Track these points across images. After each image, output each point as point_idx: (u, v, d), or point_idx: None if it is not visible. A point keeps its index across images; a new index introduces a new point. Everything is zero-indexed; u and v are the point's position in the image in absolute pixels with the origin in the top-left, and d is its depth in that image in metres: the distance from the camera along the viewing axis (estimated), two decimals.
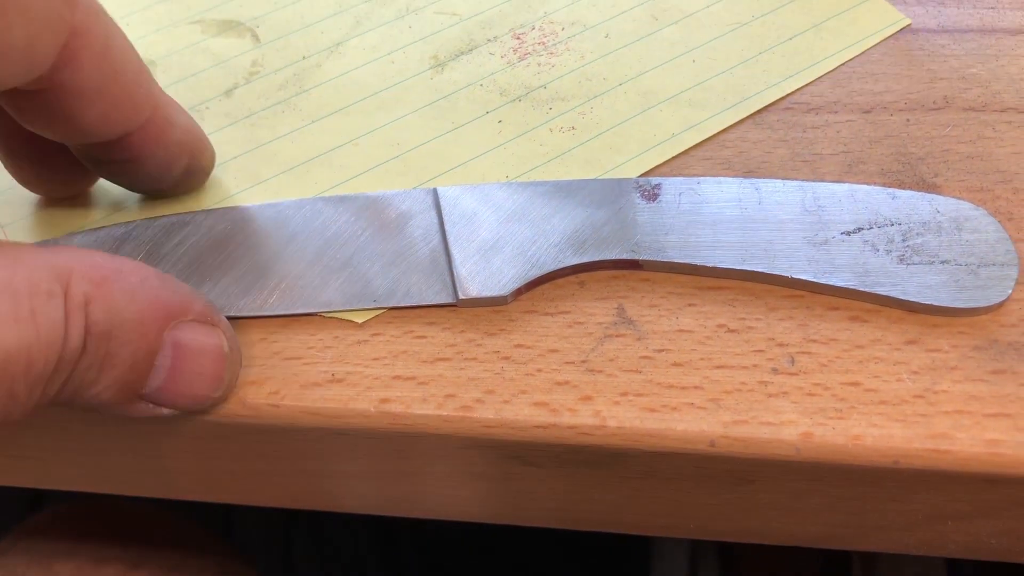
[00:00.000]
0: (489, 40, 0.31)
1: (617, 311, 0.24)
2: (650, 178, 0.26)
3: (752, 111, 0.28)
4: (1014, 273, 0.24)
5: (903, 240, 0.25)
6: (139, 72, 0.23)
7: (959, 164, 0.27)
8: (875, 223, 0.25)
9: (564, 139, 0.28)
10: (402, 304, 0.24)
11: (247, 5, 0.32)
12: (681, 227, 0.25)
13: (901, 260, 0.24)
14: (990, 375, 0.23)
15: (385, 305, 0.24)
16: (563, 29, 0.31)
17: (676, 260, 0.24)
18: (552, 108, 0.29)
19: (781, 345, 0.23)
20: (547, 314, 0.24)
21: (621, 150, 0.27)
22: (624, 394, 0.23)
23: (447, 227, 0.25)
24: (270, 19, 0.32)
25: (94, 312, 0.19)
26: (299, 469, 0.25)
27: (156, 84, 0.24)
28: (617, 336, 0.24)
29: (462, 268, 0.24)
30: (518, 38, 0.31)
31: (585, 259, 0.24)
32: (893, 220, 0.25)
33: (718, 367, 0.23)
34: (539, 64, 0.30)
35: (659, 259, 0.24)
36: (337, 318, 0.24)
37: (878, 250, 0.24)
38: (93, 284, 0.19)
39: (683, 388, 0.23)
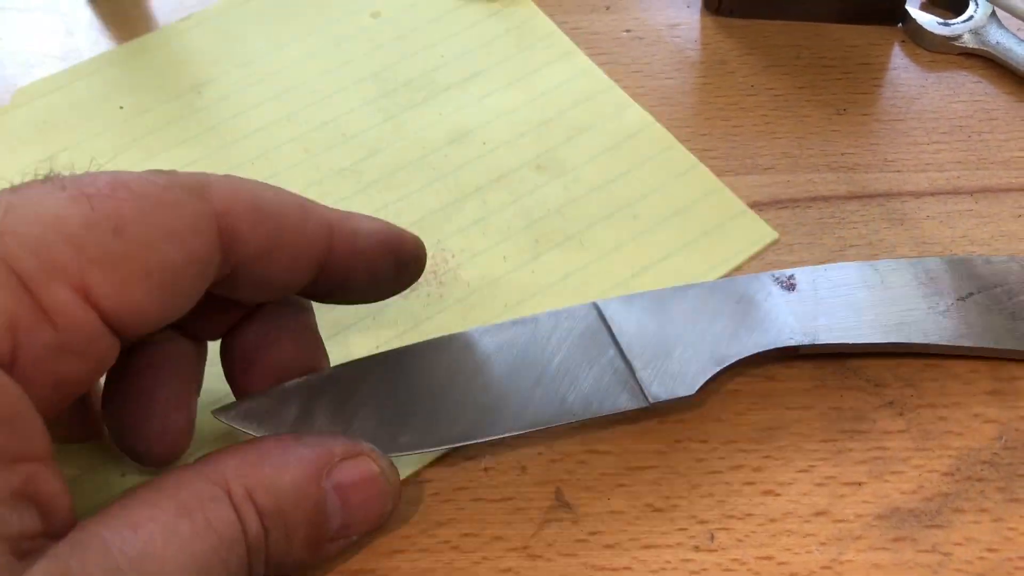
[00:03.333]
0: None
1: (555, 495, 0.27)
2: (784, 271, 0.29)
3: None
4: None
5: (1009, 299, 0.28)
6: (298, 207, 0.24)
7: None
8: (981, 288, 0.29)
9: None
10: (599, 414, 0.26)
11: None
12: (825, 311, 0.28)
13: (1013, 316, 0.28)
14: (891, 543, 0.25)
15: (583, 417, 0.26)
16: (453, 256, 0.32)
17: (829, 342, 0.28)
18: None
19: (702, 522, 0.26)
20: (491, 501, 0.27)
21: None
22: None
23: (618, 338, 0.27)
24: None
25: (259, 498, 0.22)
26: None
27: (321, 206, 0.25)
28: (555, 520, 0.26)
29: (644, 373, 0.27)
30: None
31: (753, 351, 0.27)
32: (995, 283, 0.29)
33: (645, 547, 0.26)
34: (428, 295, 0.31)
35: (815, 343, 0.28)
36: None
37: (991, 310, 0.28)
38: (247, 475, 0.22)
39: (614, 570, 0.25)
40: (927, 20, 0.37)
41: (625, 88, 0.36)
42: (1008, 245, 0.31)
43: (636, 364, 0.27)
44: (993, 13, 0.37)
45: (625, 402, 0.26)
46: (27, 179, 0.22)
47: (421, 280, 0.28)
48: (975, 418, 0.27)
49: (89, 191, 0.21)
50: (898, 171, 0.34)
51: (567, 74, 0.37)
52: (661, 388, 0.27)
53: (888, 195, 0.33)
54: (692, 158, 0.34)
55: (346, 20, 0.39)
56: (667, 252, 0.32)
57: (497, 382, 0.27)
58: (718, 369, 0.27)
